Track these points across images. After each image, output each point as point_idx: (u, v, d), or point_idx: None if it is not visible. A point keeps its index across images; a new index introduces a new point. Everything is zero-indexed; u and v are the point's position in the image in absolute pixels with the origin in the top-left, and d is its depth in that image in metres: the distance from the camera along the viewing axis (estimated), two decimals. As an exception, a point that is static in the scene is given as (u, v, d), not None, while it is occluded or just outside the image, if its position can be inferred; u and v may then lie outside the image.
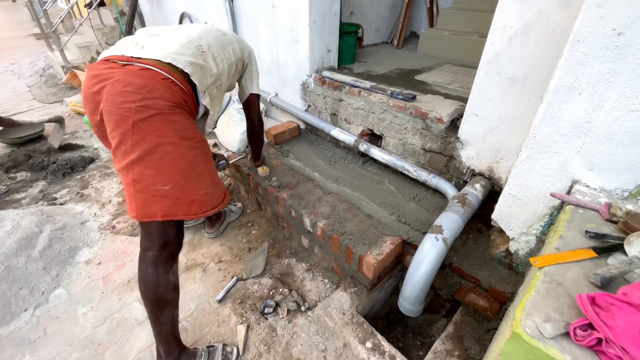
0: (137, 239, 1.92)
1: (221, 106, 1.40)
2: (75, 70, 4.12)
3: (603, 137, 0.93)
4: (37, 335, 1.42)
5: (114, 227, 2.02)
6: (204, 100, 1.19)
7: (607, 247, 0.78)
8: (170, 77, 1.05)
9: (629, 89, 0.85)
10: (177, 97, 1.05)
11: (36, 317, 1.49)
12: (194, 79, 1.11)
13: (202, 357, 1.25)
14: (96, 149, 2.92)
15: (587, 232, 0.83)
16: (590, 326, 0.60)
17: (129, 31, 3.74)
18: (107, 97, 1.00)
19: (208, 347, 1.31)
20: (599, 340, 0.57)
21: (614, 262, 0.74)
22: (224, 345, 1.32)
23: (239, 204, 2.14)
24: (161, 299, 1.13)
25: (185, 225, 1.96)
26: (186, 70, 1.09)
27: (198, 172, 1.12)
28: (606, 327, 0.58)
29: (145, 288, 1.12)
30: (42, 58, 5.68)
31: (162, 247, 1.13)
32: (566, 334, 0.60)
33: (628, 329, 0.56)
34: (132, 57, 1.06)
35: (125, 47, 1.12)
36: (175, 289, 1.18)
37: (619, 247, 0.78)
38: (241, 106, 2.69)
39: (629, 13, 0.80)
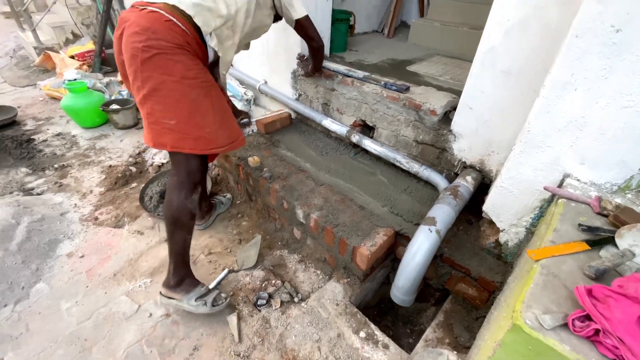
0: (121, 231, 1.86)
1: (236, 48, 1.34)
2: (49, 52, 3.89)
3: (596, 133, 0.95)
4: (19, 331, 1.36)
5: (96, 219, 1.95)
6: (211, 42, 1.20)
7: (599, 239, 0.81)
8: (173, 18, 1.09)
9: (623, 86, 0.87)
10: (179, 39, 1.10)
11: (17, 313, 1.43)
12: (196, 20, 1.13)
13: (203, 287, 1.40)
14: (74, 136, 2.79)
15: (580, 225, 0.85)
16: (588, 317, 0.62)
17: (107, 11, 3.54)
18: (124, 39, 1.11)
19: (210, 288, 1.44)
20: (597, 331, 0.60)
21: (606, 254, 0.77)
22: (220, 292, 1.43)
23: (228, 195, 2.10)
24: (178, 220, 1.29)
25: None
26: (188, 12, 1.12)
27: (201, 110, 1.19)
28: (603, 318, 0.60)
29: (166, 208, 1.29)
30: (12, 38, 5.31)
31: (185, 175, 1.28)
32: (565, 325, 0.62)
33: (624, 320, 0.59)
34: (148, 1, 1.14)
35: None
36: (192, 215, 1.32)
37: (610, 240, 0.80)
38: (230, 93, 2.63)
39: (627, 10, 0.81)
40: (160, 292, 1.39)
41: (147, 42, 1.06)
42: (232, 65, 1.41)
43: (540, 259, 0.77)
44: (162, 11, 1.09)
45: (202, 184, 1.35)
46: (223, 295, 1.42)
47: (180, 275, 1.37)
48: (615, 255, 0.75)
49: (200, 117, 1.19)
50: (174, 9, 1.12)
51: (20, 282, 1.54)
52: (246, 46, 1.54)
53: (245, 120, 1.85)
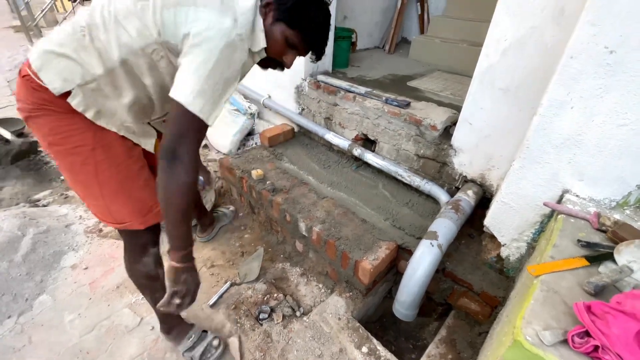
0: (126, 243, 1.88)
1: (133, 108, 0.96)
2: (58, 66, 3.99)
3: (593, 150, 0.97)
4: (22, 343, 1.37)
5: (100, 231, 1.97)
6: (72, 101, 0.87)
7: (598, 255, 0.82)
8: (30, 73, 0.86)
9: (619, 105, 0.89)
10: (36, 97, 0.87)
11: (20, 325, 1.44)
12: (41, 76, 0.84)
13: (190, 339, 1.32)
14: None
15: (579, 240, 0.86)
16: (587, 334, 0.63)
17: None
18: None
19: (202, 331, 1.36)
20: (596, 347, 0.60)
21: (605, 270, 0.78)
22: (215, 337, 1.36)
23: (232, 207, 2.11)
24: (137, 283, 1.21)
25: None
26: (33, 66, 0.85)
27: (80, 181, 0.98)
28: (602, 334, 0.60)
29: (126, 270, 1.19)
30: (21, 52, 5.45)
31: (125, 239, 1.14)
32: (564, 342, 0.63)
33: (623, 336, 0.59)
34: None
35: None
36: (149, 277, 1.16)
37: (609, 256, 0.81)
38: (233, 106, 2.68)
39: (620, 32, 0.84)
40: (160, 335, 1.37)
41: (18, 105, 0.90)
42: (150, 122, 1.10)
43: (540, 275, 0.78)
44: (25, 65, 0.87)
45: (155, 245, 1.14)
46: (215, 343, 1.33)
47: (168, 324, 1.32)
48: (614, 271, 0.76)
49: (83, 188, 1.00)
50: None
51: (24, 293, 1.55)
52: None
53: (201, 180, 1.68)
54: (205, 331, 1.37)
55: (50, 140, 0.92)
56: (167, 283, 0.94)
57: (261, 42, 0.93)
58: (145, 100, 0.97)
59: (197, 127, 0.83)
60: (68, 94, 0.87)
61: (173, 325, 1.32)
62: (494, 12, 1.24)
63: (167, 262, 0.95)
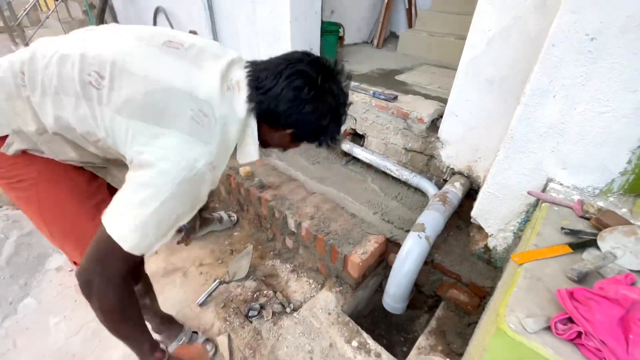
0: (113, 243, 1.84)
1: (83, 154, 0.84)
2: (41, 66, 3.90)
3: (575, 138, 0.98)
4: (6, 347, 1.33)
5: (87, 232, 1.93)
6: (8, 149, 0.77)
7: (581, 242, 0.82)
8: None
9: (600, 92, 0.89)
10: None
11: (4, 329, 1.40)
12: None
13: (182, 340, 1.30)
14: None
15: (562, 228, 0.87)
16: (570, 320, 0.62)
17: (99, 24, 3.57)
18: None
19: (193, 332, 1.35)
20: (579, 334, 0.60)
21: (588, 257, 0.78)
22: (205, 338, 1.34)
23: (234, 217, 2.01)
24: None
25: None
26: None
27: (29, 213, 0.89)
28: (585, 320, 0.60)
29: None
30: (4, 52, 5.31)
31: None
32: (547, 328, 0.63)
33: (606, 322, 0.59)
34: None
35: None
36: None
37: (592, 243, 0.82)
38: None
39: (601, 19, 0.84)
40: None
41: None
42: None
43: (523, 263, 0.78)
44: None
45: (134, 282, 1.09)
46: (208, 347, 1.30)
47: (157, 326, 1.27)
48: (597, 257, 0.76)
49: (36, 221, 0.90)
50: None
51: (8, 297, 1.51)
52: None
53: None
54: (195, 332, 1.35)
55: None
56: None
57: (253, 155, 0.84)
58: (95, 151, 0.82)
59: (125, 259, 0.71)
60: (4, 137, 0.76)
61: (162, 327, 1.30)
62: (477, 2, 1.24)
63: None
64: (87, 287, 0.72)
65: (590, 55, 0.88)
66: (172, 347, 1.29)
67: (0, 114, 0.75)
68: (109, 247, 0.69)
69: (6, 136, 0.77)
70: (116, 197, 0.71)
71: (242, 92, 0.78)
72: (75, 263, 0.95)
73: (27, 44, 4.24)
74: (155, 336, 1.30)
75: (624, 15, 0.82)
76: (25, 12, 4.26)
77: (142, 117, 0.69)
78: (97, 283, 0.72)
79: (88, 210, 0.89)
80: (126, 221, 0.69)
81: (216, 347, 1.34)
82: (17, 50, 0.79)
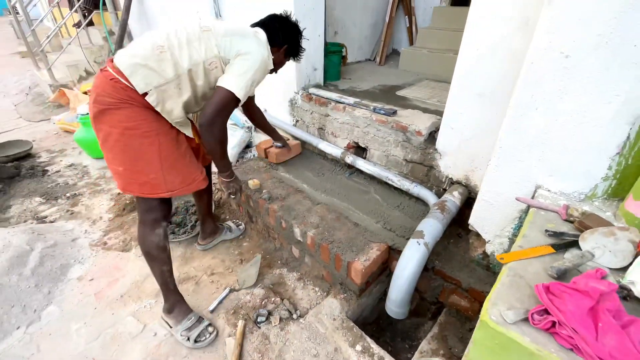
0: (129, 255, 1.95)
1: (186, 104, 1.32)
2: (63, 89, 4.15)
3: (559, 147, 1.05)
4: (30, 352, 1.43)
5: (105, 244, 2.04)
6: (149, 98, 1.21)
7: (564, 243, 0.88)
8: (117, 76, 1.18)
9: (578, 104, 0.97)
10: (122, 93, 1.18)
11: (29, 335, 1.50)
12: (132, 80, 1.17)
13: (190, 320, 1.47)
14: (85, 166, 2.94)
15: (546, 231, 0.93)
16: (546, 312, 0.68)
17: (118, 50, 3.81)
18: None
19: (200, 317, 1.51)
20: (553, 323, 0.66)
21: (569, 256, 0.84)
22: (209, 324, 1.50)
23: (242, 226, 2.12)
24: (148, 254, 1.41)
25: (176, 239, 2.00)
26: (125, 73, 1.17)
27: (146, 158, 1.27)
28: (558, 311, 0.66)
29: (139, 242, 1.42)
30: (28, 76, 5.66)
31: (143, 212, 1.39)
32: (526, 320, 0.69)
33: (577, 312, 0.65)
34: (112, 59, 1.25)
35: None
36: (159, 248, 1.40)
37: (574, 244, 0.88)
38: (232, 121, 2.79)
39: (573, 38, 0.92)
40: (162, 315, 1.51)
41: (96, 99, 1.19)
42: (189, 115, 1.43)
43: (508, 262, 0.84)
44: (111, 70, 1.19)
45: (165, 219, 1.43)
46: (210, 329, 1.48)
47: (170, 302, 1.48)
48: (576, 256, 0.82)
49: (144, 164, 1.27)
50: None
51: (33, 305, 1.62)
52: (204, 99, 1.39)
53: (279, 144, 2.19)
54: (202, 318, 1.51)
55: (126, 125, 1.21)
56: (223, 189, 1.58)
57: (270, 65, 1.41)
58: (193, 99, 1.33)
59: (232, 106, 1.29)
60: (146, 94, 1.21)
61: (175, 304, 1.48)
62: (467, 21, 1.34)
63: (220, 179, 1.54)
64: (211, 126, 1.27)
65: (566, 71, 0.96)
66: (181, 325, 1.46)
67: (149, 76, 1.19)
68: (228, 99, 1.25)
69: (145, 94, 1.20)
70: (228, 72, 1.27)
71: (261, 31, 1.40)
72: (168, 192, 1.35)
73: (49, 69, 4.52)
74: (164, 316, 1.52)
75: (594, 33, 0.90)
76: (49, 39, 4.55)
77: (235, 34, 1.29)
78: (218, 123, 1.29)
79: (184, 151, 1.39)
80: (238, 82, 1.25)
81: (218, 332, 1.50)
82: (135, 45, 1.26)
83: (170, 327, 1.48)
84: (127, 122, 1.21)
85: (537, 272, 0.81)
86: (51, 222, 2.22)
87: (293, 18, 1.50)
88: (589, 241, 0.87)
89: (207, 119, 1.25)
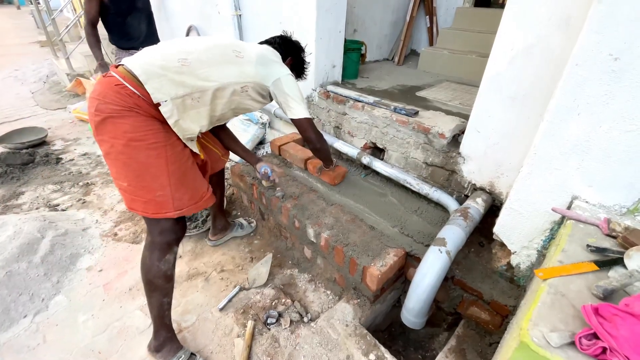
0: (139, 247, 1.92)
1: (202, 120, 1.27)
2: (80, 78, 4.17)
3: (601, 156, 0.97)
4: (36, 342, 1.41)
5: (115, 235, 2.02)
6: (163, 108, 1.14)
7: (608, 260, 0.81)
8: (124, 82, 1.10)
9: (625, 111, 0.90)
10: (127, 101, 1.09)
11: (35, 324, 1.48)
12: (147, 87, 1.10)
13: (181, 358, 1.32)
14: (99, 155, 2.94)
15: (588, 246, 0.86)
16: (595, 336, 0.62)
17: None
18: None
19: (191, 354, 1.35)
20: (604, 349, 0.60)
21: (614, 275, 0.77)
22: None
23: (254, 223, 2.10)
24: (150, 283, 1.25)
25: (187, 234, 1.97)
26: (140, 78, 1.10)
27: (152, 173, 1.16)
28: (610, 336, 0.60)
29: (141, 267, 1.26)
30: (46, 65, 5.74)
31: (156, 234, 1.25)
32: (572, 344, 0.63)
33: (631, 338, 0.59)
34: (117, 65, 1.18)
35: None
36: (166, 277, 1.26)
37: (619, 261, 0.81)
38: (246, 117, 2.75)
39: (624, 39, 0.85)
40: (147, 353, 1.35)
41: (97, 107, 1.09)
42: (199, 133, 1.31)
43: (547, 279, 0.77)
44: (117, 76, 1.11)
45: (178, 243, 1.31)
46: None
47: (161, 339, 1.32)
48: (624, 275, 0.75)
49: (150, 180, 1.16)
50: (130, 74, 1.12)
51: (41, 293, 1.60)
52: (219, 121, 1.40)
53: (264, 166, 1.72)
54: (193, 354, 1.35)
55: (131, 136, 1.11)
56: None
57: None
58: (208, 116, 1.29)
59: (312, 122, 1.51)
60: (159, 103, 1.13)
61: (165, 342, 1.32)
62: (501, 21, 1.27)
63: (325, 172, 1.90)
64: (320, 140, 1.59)
65: (614, 75, 0.89)
66: None
67: (166, 86, 1.13)
68: (308, 123, 1.47)
69: (157, 104, 1.12)
70: (288, 104, 1.39)
71: (270, 49, 1.47)
72: (175, 211, 1.23)
73: (67, 58, 4.56)
74: (151, 355, 1.35)
75: (648, 35, 0.83)
76: (67, 29, 4.59)
77: (268, 61, 1.38)
78: (319, 135, 1.59)
79: (191, 166, 1.30)
80: (300, 106, 1.41)
81: None
82: (145, 53, 1.20)
83: None
84: (132, 132, 1.11)
85: (580, 291, 0.74)
86: (63, 210, 2.21)
87: (294, 38, 1.63)
88: (634, 259, 0.80)
89: (313, 140, 1.53)
